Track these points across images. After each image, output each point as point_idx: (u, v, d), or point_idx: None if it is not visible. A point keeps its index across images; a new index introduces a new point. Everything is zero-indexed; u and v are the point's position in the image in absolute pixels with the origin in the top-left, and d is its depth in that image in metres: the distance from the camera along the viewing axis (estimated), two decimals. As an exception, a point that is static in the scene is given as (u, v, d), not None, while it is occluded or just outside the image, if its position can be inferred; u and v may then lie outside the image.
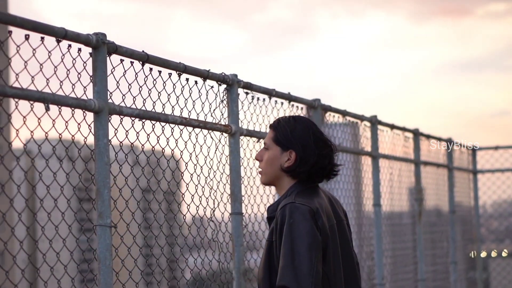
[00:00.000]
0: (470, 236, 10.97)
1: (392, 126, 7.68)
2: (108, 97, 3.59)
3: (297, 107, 5.70)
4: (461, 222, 10.86)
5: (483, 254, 11.59)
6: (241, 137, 4.79)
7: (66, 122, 3.45)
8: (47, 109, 3.21)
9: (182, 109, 4.29)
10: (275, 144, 3.42)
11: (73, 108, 3.41)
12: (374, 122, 7.16)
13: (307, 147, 3.36)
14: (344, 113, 6.52)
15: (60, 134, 3.43)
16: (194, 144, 4.42)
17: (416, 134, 8.34)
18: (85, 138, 3.57)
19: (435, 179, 9.34)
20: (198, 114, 4.43)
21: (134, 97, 3.88)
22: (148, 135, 3.97)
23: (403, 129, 8.01)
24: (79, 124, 3.52)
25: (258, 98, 5.10)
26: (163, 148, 4.13)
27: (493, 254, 11.90)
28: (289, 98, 5.47)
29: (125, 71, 3.78)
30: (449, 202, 9.54)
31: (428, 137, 8.78)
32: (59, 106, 3.36)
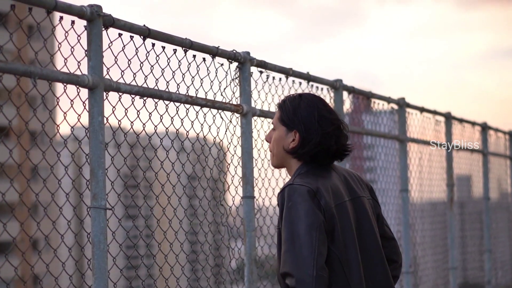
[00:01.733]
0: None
1: (422, 109, 7.41)
2: (105, 73, 3.42)
3: (317, 87, 5.48)
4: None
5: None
6: (255, 118, 4.59)
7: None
8: (34, 84, 3.05)
9: (188, 87, 4.09)
10: (281, 124, 3.23)
11: (65, 84, 3.25)
12: (402, 104, 6.89)
13: (310, 126, 3.14)
14: (368, 95, 6.28)
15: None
16: (202, 124, 4.22)
17: (448, 117, 8.04)
18: (78, 117, 3.40)
19: (469, 164, 9.07)
20: (206, 92, 4.22)
21: (135, 74, 3.69)
22: (150, 113, 3.78)
23: (434, 112, 7.71)
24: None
25: (273, 78, 4.89)
26: (167, 128, 3.94)
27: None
28: (308, 78, 5.24)
29: (124, 46, 3.59)
30: (483, 188, 9.25)
31: (461, 121, 8.48)
32: (49, 82, 3.20)
